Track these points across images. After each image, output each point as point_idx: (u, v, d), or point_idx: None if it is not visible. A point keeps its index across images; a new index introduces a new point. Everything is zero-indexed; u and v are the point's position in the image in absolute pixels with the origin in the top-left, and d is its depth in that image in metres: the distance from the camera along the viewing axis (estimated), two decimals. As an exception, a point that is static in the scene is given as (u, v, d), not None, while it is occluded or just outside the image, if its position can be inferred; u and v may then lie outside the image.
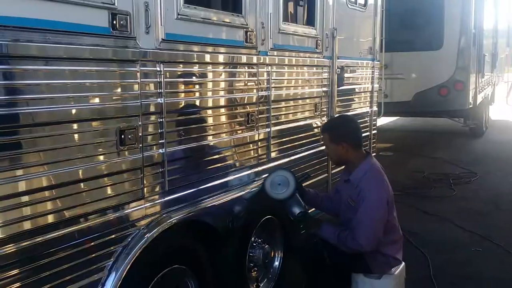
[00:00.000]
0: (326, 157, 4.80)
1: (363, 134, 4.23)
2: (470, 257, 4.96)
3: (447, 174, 8.40)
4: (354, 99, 5.47)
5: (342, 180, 3.63)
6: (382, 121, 13.31)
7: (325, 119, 4.69)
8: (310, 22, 4.42)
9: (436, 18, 10.45)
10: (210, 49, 3.10)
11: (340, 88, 4.84)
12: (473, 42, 10.91)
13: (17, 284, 2.06)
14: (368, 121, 5.94)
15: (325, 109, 4.69)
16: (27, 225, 2.09)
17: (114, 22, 2.38)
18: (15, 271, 2.05)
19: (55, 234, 2.19)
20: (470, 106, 11.06)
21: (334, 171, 4.97)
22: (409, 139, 12.57)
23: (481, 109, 12.44)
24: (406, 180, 8.03)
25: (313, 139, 4.55)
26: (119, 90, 2.47)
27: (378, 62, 6.10)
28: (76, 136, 2.27)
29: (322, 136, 3.55)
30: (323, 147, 4.63)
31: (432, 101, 10.53)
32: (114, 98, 2.44)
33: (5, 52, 1.94)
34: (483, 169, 8.81)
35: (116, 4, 2.38)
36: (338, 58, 4.74)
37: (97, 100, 2.35)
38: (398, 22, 9.92)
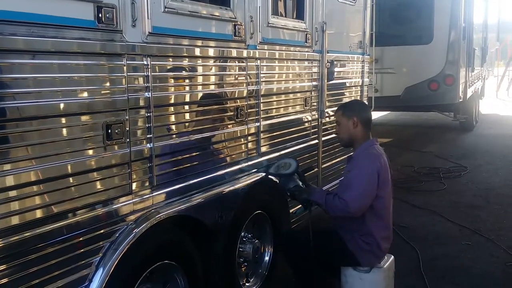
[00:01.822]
0: (316, 152, 4.80)
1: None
2: (460, 251, 4.98)
3: (437, 168, 8.44)
4: (344, 93, 5.45)
5: (345, 171, 3.68)
6: (373, 115, 13.31)
7: (315, 113, 4.68)
8: (300, 15, 4.39)
9: (426, 12, 10.47)
10: (198, 42, 3.07)
11: (330, 82, 4.82)
12: (463, 36, 10.93)
13: (4, 280, 2.03)
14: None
15: (315, 103, 4.67)
16: (14, 220, 2.06)
17: (100, 15, 2.34)
18: (1, 267, 2.02)
19: (41, 229, 2.17)
20: (460, 100, 11.10)
21: (324, 165, 4.97)
22: (400, 134, 12.61)
23: (471, 103, 12.49)
24: (396, 174, 8.03)
25: (303, 133, 4.54)
26: (105, 84, 2.44)
27: (368, 56, 6.09)
28: (62, 130, 2.24)
29: (335, 115, 3.69)
30: (316, 141, 4.70)
31: (422, 96, 10.55)
32: (100, 92, 2.41)
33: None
34: (473, 163, 8.86)
35: (101, -3, 2.34)
36: (327, 52, 4.72)
37: (83, 94, 2.32)
38: (388, 16, 9.94)
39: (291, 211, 4.15)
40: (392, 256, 3.63)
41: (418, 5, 10.49)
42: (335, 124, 3.73)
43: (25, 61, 2.07)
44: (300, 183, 3.56)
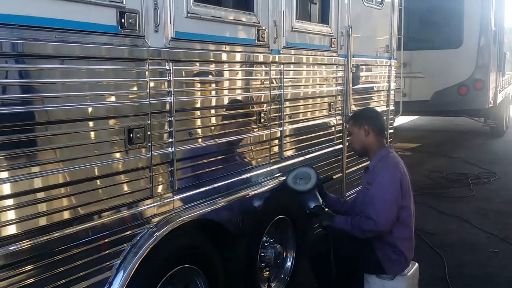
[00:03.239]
0: (340, 157, 4.77)
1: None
2: (487, 258, 4.88)
3: (466, 174, 8.29)
4: (370, 97, 5.40)
5: (363, 182, 3.61)
6: (401, 120, 13.19)
7: (339, 118, 4.65)
8: (325, 20, 4.36)
9: (455, 16, 10.31)
10: (221, 47, 3.08)
11: (355, 86, 4.79)
12: (493, 40, 10.74)
13: (30, 280, 2.08)
14: (385, 120, 5.87)
15: (339, 108, 4.64)
16: (41, 222, 2.11)
17: (123, 20, 2.37)
18: (28, 267, 2.06)
19: (63, 232, 2.20)
20: (490, 105, 10.91)
21: (348, 170, 4.93)
22: (428, 139, 12.41)
23: (501, 109, 12.26)
24: (424, 180, 7.93)
25: (327, 138, 4.51)
26: (128, 88, 2.46)
27: (396, 61, 6.02)
28: (85, 134, 2.27)
29: (347, 126, 3.66)
30: (340, 146, 4.66)
31: (451, 100, 10.40)
32: (123, 96, 2.43)
33: (17, 51, 1.96)
34: (503, 169, 8.68)
35: (124, 3, 2.37)
36: (353, 57, 4.68)
37: (106, 98, 2.35)
38: (417, 20, 9.81)
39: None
40: (417, 264, 3.57)
41: (447, 9, 10.33)
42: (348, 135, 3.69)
43: (46, 66, 2.09)
44: (321, 200, 3.47)
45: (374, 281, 3.44)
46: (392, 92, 5.95)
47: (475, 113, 11.48)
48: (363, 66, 4.98)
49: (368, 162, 3.56)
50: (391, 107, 5.98)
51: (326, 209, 3.47)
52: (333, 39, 4.41)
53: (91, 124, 2.29)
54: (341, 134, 4.72)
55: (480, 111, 11.18)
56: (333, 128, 4.60)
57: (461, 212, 6.30)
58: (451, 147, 11.09)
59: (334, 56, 4.46)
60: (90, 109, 2.28)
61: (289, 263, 3.97)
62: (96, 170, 2.32)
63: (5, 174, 1.97)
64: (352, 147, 3.60)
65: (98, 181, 2.34)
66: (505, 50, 12.33)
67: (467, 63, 10.29)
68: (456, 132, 13.59)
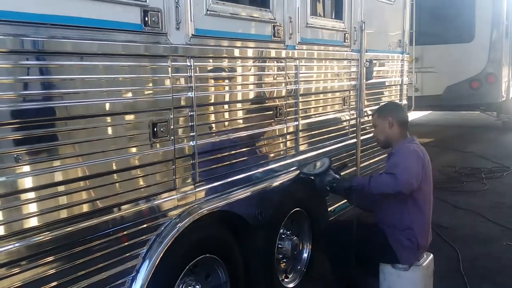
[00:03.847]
0: (354, 151, 4.83)
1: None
2: (501, 251, 4.92)
3: (479, 169, 8.30)
4: (383, 92, 5.46)
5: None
6: (414, 115, 13.16)
7: (353, 112, 4.71)
8: (338, 15, 4.43)
9: (467, 10, 10.30)
10: (238, 43, 3.17)
11: (369, 81, 4.85)
12: (506, 34, 10.72)
13: (67, 265, 2.20)
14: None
15: (353, 102, 4.70)
16: (70, 212, 2.21)
17: (146, 18, 2.47)
18: (64, 253, 2.19)
19: (94, 221, 2.31)
20: (503, 99, 10.91)
21: (363, 164, 4.99)
22: (441, 134, 12.40)
23: (514, 103, 12.22)
24: (437, 175, 7.92)
25: (342, 132, 4.58)
26: (151, 84, 2.56)
27: (408, 55, 6.07)
28: (112, 128, 2.37)
29: (371, 119, 3.80)
30: (354, 140, 4.74)
31: (463, 95, 10.41)
32: (147, 92, 2.54)
33: (44, 49, 2.06)
34: (516, 163, 8.68)
35: (147, 1, 2.47)
36: (366, 52, 4.74)
37: (130, 94, 2.45)
38: (428, 14, 9.79)
39: (329, 209, 4.20)
40: (431, 255, 3.64)
41: (459, 3, 10.33)
42: (372, 128, 3.80)
43: (74, 62, 2.19)
44: (337, 176, 3.62)
45: (390, 271, 3.50)
46: (404, 86, 6.00)
47: (488, 107, 11.48)
48: (376, 61, 5.04)
49: (390, 151, 3.64)
50: (404, 102, 6.03)
51: None
52: (346, 35, 4.48)
53: (118, 118, 2.39)
54: (354, 128, 4.79)
55: (492, 105, 11.17)
56: (347, 122, 4.67)
57: (474, 206, 6.33)
58: (463, 142, 11.09)
59: (347, 51, 4.53)
60: (117, 104, 2.38)
61: (305, 255, 4.05)
62: (124, 162, 2.43)
63: (50, 164, 2.11)
64: (377, 139, 3.71)
65: (126, 173, 2.44)
66: (517, 44, 12.28)
67: (479, 57, 10.30)
68: (469, 127, 13.56)
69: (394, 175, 3.22)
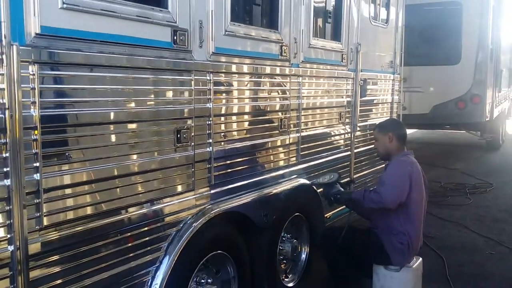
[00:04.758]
0: (349, 163, 5.17)
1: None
2: (484, 260, 5.26)
3: (463, 184, 8.67)
4: (375, 109, 5.82)
5: None
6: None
7: (348, 127, 5.06)
8: (337, 37, 4.80)
9: (454, 34, 10.74)
10: (250, 61, 3.51)
11: (363, 98, 5.21)
12: (490, 58, 11.18)
13: (102, 253, 2.50)
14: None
15: (348, 117, 5.05)
16: (111, 205, 2.53)
17: (175, 37, 2.80)
18: (100, 243, 2.48)
19: (125, 215, 2.62)
20: (487, 119, 11.30)
21: (356, 175, 5.32)
22: (427, 151, 12.74)
23: (497, 123, 12.66)
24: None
25: (337, 145, 4.92)
26: (177, 95, 2.89)
27: (398, 75, 6.44)
28: (143, 133, 2.69)
29: (373, 132, 4.19)
30: (348, 152, 5.07)
31: (449, 114, 10.81)
32: (174, 102, 2.87)
33: (90, 62, 2.38)
34: (499, 180, 9.06)
35: (177, 22, 2.80)
36: (361, 71, 5.10)
37: (159, 104, 2.78)
38: (417, 37, 10.22)
39: (326, 215, 4.53)
40: (420, 258, 3.97)
41: (446, 27, 10.76)
42: (373, 141, 4.23)
43: (114, 74, 2.51)
44: (342, 189, 4.03)
45: (383, 272, 3.82)
46: (395, 105, 6.36)
47: (472, 126, 11.87)
48: (370, 80, 5.40)
49: (388, 163, 4.02)
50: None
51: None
52: (344, 55, 4.84)
53: (148, 125, 2.72)
54: (349, 142, 5.13)
55: (477, 124, 11.57)
56: (342, 135, 5.01)
57: (459, 219, 6.68)
58: (448, 159, 11.47)
59: (344, 70, 4.89)
60: (149, 112, 2.70)
61: (303, 256, 4.36)
62: (151, 164, 2.74)
63: (87, 164, 2.41)
64: (377, 151, 4.13)
65: (153, 173, 2.76)
66: (501, 67, 12.77)
67: (465, 79, 10.72)
68: (454, 145, 13.97)
69: (379, 195, 3.65)
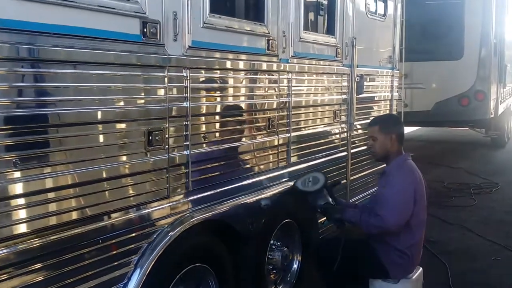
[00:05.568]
0: (345, 164, 4.89)
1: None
2: (489, 266, 4.98)
3: (468, 184, 8.40)
4: (373, 107, 5.54)
5: (379, 185, 3.71)
6: (403, 130, 13.25)
7: (344, 126, 4.78)
8: (330, 31, 4.52)
9: (456, 28, 10.48)
10: (233, 56, 3.23)
11: (360, 95, 4.93)
12: (494, 52, 10.91)
13: (56, 272, 2.22)
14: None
15: (344, 116, 4.77)
16: (65, 217, 2.25)
17: (145, 30, 2.52)
18: (53, 260, 2.20)
19: (87, 228, 2.34)
20: (491, 116, 11.04)
21: (353, 177, 5.05)
22: (430, 149, 12.51)
23: (503, 120, 12.39)
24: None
25: (332, 145, 4.64)
26: (148, 94, 2.61)
27: (398, 71, 6.17)
28: (110, 136, 2.42)
29: (369, 129, 3.64)
30: (344, 153, 4.79)
31: (452, 111, 10.55)
32: (144, 101, 2.59)
33: (39, 57, 2.10)
34: (505, 180, 8.78)
35: (147, 13, 2.52)
36: (357, 67, 4.82)
37: (128, 102, 2.50)
38: (418, 32, 9.97)
39: (319, 221, 4.24)
40: (421, 268, 3.67)
41: (448, 21, 10.50)
42: (367, 138, 3.70)
43: (73, 71, 2.25)
44: (330, 200, 3.55)
45: (380, 284, 3.53)
46: (394, 102, 6.09)
47: (477, 123, 11.62)
48: (367, 76, 5.12)
49: (385, 166, 3.66)
50: (394, 116, 6.11)
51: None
52: (338, 50, 4.56)
53: (115, 126, 2.44)
54: (345, 141, 4.85)
55: (481, 122, 11.32)
56: (338, 135, 4.73)
57: (463, 221, 6.40)
58: (452, 158, 11.20)
59: (339, 66, 4.61)
60: (113, 112, 2.42)
61: (295, 266, 4.08)
62: (118, 169, 2.47)
63: (41, 171, 2.14)
64: (374, 152, 3.59)
65: (121, 180, 2.48)
66: (506, 62, 12.48)
67: (468, 75, 10.46)
68: (457, 143, 13.70)
69: (381, 218, 3.26)
